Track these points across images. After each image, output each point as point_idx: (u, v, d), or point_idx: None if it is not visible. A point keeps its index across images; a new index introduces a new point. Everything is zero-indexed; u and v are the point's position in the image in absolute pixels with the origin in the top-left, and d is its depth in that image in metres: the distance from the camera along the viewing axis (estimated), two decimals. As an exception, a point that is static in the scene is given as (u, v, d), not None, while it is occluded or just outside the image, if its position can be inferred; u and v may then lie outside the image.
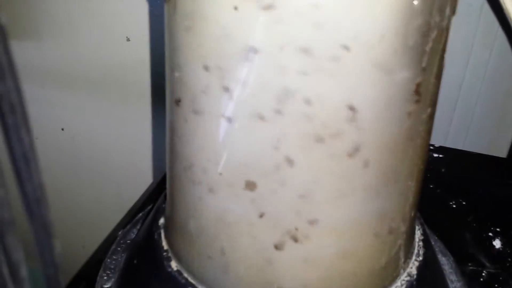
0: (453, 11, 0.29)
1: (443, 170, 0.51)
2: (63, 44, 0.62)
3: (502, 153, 0.61)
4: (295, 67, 0.25)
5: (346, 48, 0.25)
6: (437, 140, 0.59)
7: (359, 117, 0.27)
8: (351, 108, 0.27)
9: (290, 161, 0.28)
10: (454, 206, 0.47)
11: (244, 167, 0.29)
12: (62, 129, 0.68)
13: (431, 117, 0.32)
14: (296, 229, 0.30)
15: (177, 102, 0.30)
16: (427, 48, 0.28)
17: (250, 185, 0.29)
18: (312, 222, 0.29)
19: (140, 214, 0.45)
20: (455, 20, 0.65)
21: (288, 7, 0.24)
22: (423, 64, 0.28)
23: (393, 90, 0.28)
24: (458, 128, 0.61)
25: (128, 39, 0.59)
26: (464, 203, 0.48)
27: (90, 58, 0.62)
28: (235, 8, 0.25)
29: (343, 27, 0.25)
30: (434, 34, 0.28)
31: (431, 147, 0.54)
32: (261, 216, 0.30)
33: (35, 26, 0.61)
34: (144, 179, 0.68)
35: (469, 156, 0.55)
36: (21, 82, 0.16)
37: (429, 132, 0.32)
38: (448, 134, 0.61)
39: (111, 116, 0.66)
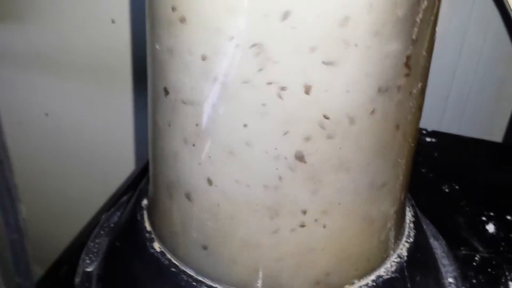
0: (445, -19, 0.28)
1: (436, 154, 0.50)
2: (47, 26, 0.61)
3: (498, 138, 0.60)
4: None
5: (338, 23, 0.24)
6: (431, 125, 0.58)
7: (349, 89, 0.26)
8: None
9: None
10: (447, 190, 0.47)
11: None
12: (47, 114, 0.67)
13: (422, 92, 0.31)
14: (285, 212, 0.29)
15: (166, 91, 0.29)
16: (418, 19, 0.27)
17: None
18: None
19: (124, 198, 0.43)
20: (448, 5, 0.64)
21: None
22: (414, 36, 0.27)
23: (382, 62, 0.27)
24: (453, 113, 0.60)
25: (113, 21, 0.58)
26: (457, 187, 0.47)
27: (75, 41, 0.61)
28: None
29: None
30: (425, 4, 0.27)
31: (424, 132, 0.53)
32: (247, 197, 0.29)
33: (18, 9, 0.60)
34: (132, 166, 0.67)
35: (463, 141, 0.54)
36: (4, 65, 0.15)
37: (419, 108, 0.31)
38: (443, 119, 0.60)
39: (97, 101, 0.64)
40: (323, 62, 0.25)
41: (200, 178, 0.29)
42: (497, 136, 0.60)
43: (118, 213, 0.42)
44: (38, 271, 0.77)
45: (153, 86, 0.31)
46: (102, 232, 0.41)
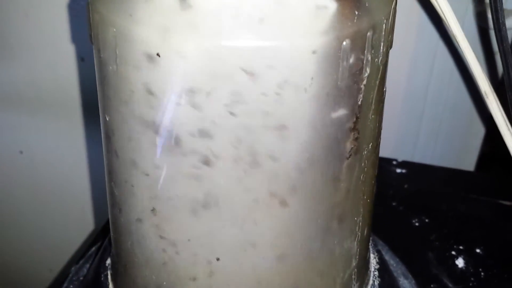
0: (389, 46, 0.28)
1: (406, 186, 0.50)
2: (18, 65, 0.61)
3: (471, 166, 0.60)
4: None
5: (277, 93, 0.24)
6: (404, 153, 0.58)
7: (295, 160, 0.26)
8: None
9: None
10: (417, 224, 0.47)
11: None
12: (21, 152, 0.67)
13: (375, 150, 0.31)
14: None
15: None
16: (362, 86, 0.27)
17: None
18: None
19: (93, 248, 0.43)
20: (418, 28, 0.63)
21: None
22: (359, 102, 0.27)
23: (329, 130, 0.27)
24: (426, 140, 0.60)
25: (83, 60, 0.58)
26: (427, 220, 0.47)
27: (47, 79, 0.61)
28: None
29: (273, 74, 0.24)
30: (368, 71, 0.27)
31: (394, 162, 0.53)
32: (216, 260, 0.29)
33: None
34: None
35: (433, 171, 0.54)
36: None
37: (373, 165, 0.31)
38: (416, 146, 0.60)
39: (71, 138, 0.64)
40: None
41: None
42: (470, 164, 0.60)
43: (87, 265, 0.42)
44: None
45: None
46: (71, 286, 0.41)
